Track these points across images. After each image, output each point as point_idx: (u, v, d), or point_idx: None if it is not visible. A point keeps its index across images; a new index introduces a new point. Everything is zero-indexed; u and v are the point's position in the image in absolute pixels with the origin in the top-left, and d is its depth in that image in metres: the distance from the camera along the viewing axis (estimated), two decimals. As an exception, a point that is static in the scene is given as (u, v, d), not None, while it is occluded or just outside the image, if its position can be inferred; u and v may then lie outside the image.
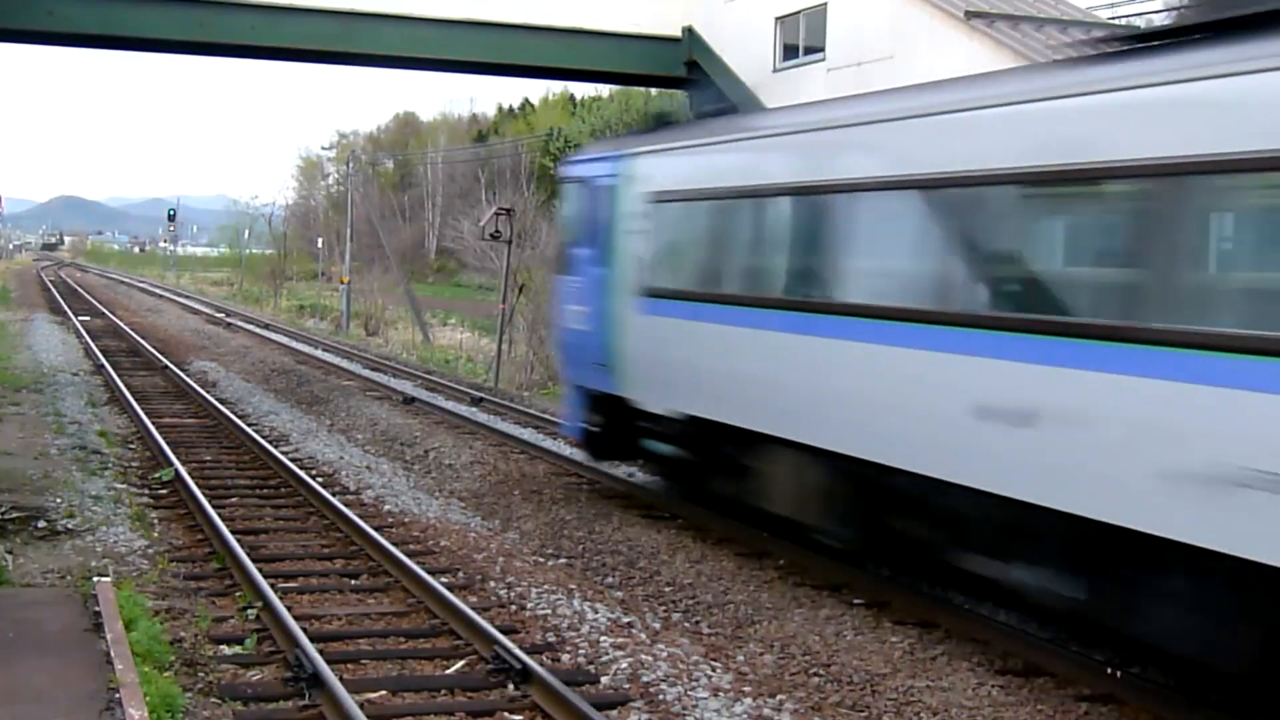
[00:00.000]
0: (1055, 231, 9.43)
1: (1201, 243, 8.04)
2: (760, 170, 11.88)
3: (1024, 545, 9.11)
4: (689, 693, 8.45)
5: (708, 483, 13.31)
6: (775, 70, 20.69)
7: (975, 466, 9.15)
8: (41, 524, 12.30)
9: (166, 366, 27.22)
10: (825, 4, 19.46)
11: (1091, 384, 8.23)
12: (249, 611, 9.92)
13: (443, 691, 8.47)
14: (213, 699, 8.03)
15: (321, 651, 8.71)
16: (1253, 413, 7.24)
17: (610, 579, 11.57)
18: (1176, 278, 7.91)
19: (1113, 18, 20.15)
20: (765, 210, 11.81)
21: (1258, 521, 7.18)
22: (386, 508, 14.28)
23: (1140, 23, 22.05)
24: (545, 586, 10.94)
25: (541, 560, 12.15)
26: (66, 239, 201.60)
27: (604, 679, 8.72)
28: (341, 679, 8.17)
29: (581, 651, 9.28)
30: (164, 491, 14.60)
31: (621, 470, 16.34)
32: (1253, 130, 7.32)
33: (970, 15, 16.35)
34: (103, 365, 26.92)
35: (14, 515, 12.51)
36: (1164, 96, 7.94)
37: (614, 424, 14.39)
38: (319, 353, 33.76)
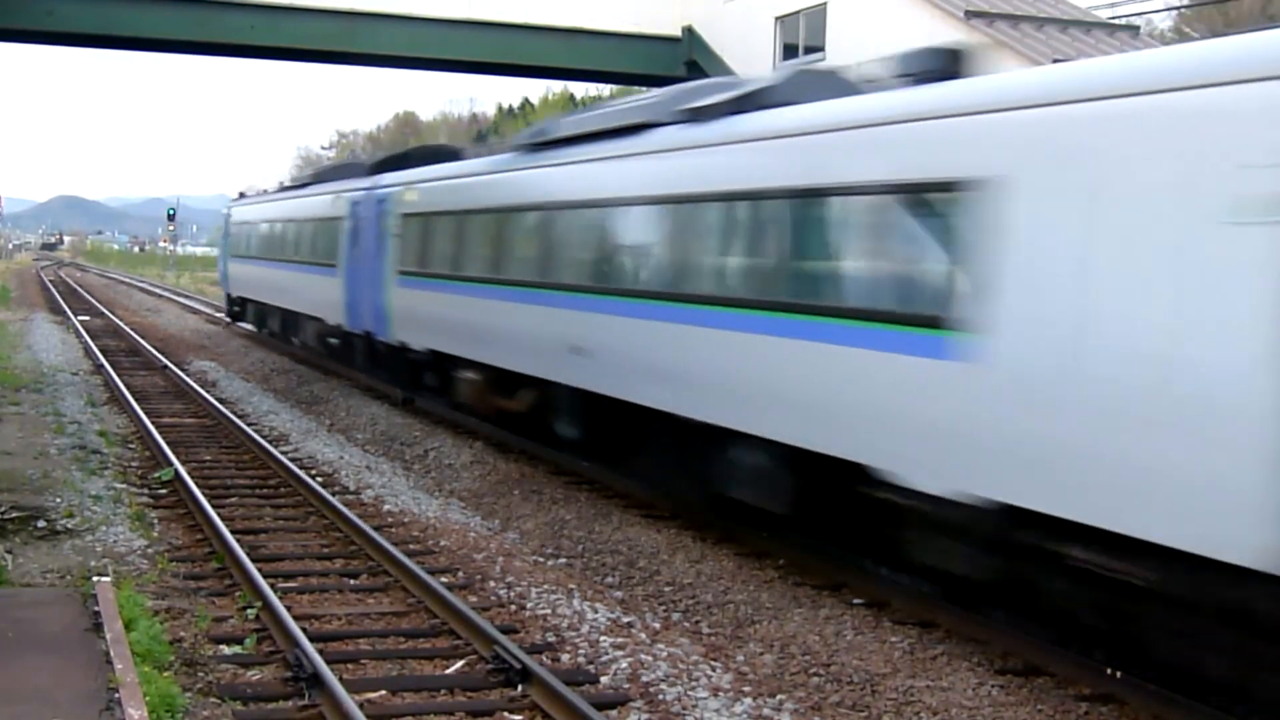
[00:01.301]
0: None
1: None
2: (261, 215, 32.11)
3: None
4: (689, 692, 8.44)
5: (254, 323, 34.08)
6: (774, 70, 20.68)
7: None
8: (41, 524, 12.30)
9: (166, 366, 27.22)
10: (825, 4, 19.46)
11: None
12: (249, 611, 9.92)
13: (442, 691, 8.47)
14: (212, 699, 8.03)
15: (321, 651, 8.71)
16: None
17: (610, 579, 11.57)
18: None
19: (1113, 18, 20.13)
20: (258, 227, 32.24)
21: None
22: (386, 507, 14.29)
23: (1140, 22, 22.01)
24: (545, 586, 10.94)
25: (541, 560, 12.15)
26: (66, 239, 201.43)
27: (604, 679, 8.72)
28: (341, 679, 8.17)
29: (581, 651, 9.28)
30: (164, 491, 14.60)
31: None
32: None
33: (970, 15, 16.35)
34: (102, 365, 26.91)
35: (14, 515, 12.51)
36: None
37: (233, 305, 36.47)
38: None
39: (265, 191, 37.11)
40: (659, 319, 12.55)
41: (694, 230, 12.20)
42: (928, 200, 9.28)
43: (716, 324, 11.62)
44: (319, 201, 25.37)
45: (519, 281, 15.89)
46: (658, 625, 10.03)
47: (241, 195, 39.66)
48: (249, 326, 35.80)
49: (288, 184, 32.68)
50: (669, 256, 12.63)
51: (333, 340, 24.75)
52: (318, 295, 24.86)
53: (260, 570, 10.72)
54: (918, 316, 9.19)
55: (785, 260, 10.86)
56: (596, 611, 10.23)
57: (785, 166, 10.85)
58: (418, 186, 19.76)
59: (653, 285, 12.79)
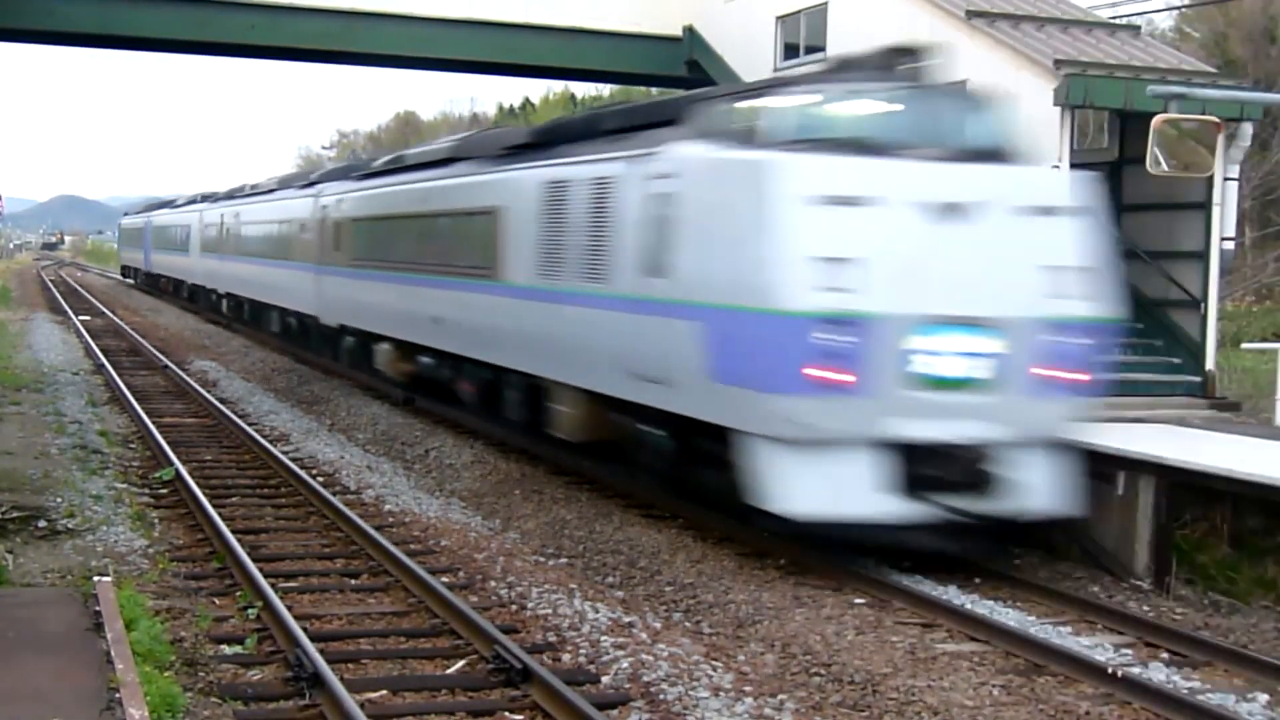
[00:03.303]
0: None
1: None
2: (130, 225, 71.14)
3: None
4: (690, 692, 8.44)
5: (130, 276, 70.16)
6: (776, 70, 20.64)
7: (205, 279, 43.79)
8: (42, 524, 12.30)
9: (167, 366, 27.22)
10: (826, 4, 19.42)
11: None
12: (249, 611, 9.92)
13: (443, 691, 8.47)
14: (213, 698, 8.03)
15: (322, 651, 8.70)
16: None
17: (611, 578, 11.56)
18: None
19: (1113, 18, 20.12)
20: (130, 232, 69.47)
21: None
22: (387, 507, 14.28)
23: (1140, 22, 21.98)
24: (546, 586, 10.93)
25: (542, 560, 12.14)
26: (67, 238, 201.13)
27: (604, 679, 8.71)
28: (342, 678, 8.17)
29: (582, 651, 9.27)
30: (164, 491, 14.60)
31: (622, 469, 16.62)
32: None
33: (971, 15, 16.32)
34: (103, 365, 26.91)
35: (14, 515, 12.50)
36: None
37: (123, 269, 74.45)
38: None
39: (139, 212, 65.07)
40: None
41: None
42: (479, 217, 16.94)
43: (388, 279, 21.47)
44: (140, 219, 60.06)
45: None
46: (658, 625, 10.02)
47: (126, 215, 70.97)
48: (131, 281, 68.60)
49: (142, 209, 63.36)
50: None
51: (140, 271, 62.99)
52: (135, 256, 61.55)
53: (261, 570, 10.72)
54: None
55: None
56: (597, 611, 10.22)
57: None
58: (162, 217, 53.61)
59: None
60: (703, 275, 11.51)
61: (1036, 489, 11.15)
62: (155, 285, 58.29)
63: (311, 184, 27.82)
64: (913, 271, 10.76)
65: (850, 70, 11.99)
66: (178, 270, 48.72)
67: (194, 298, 45.76)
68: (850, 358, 10.57)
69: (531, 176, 15.34)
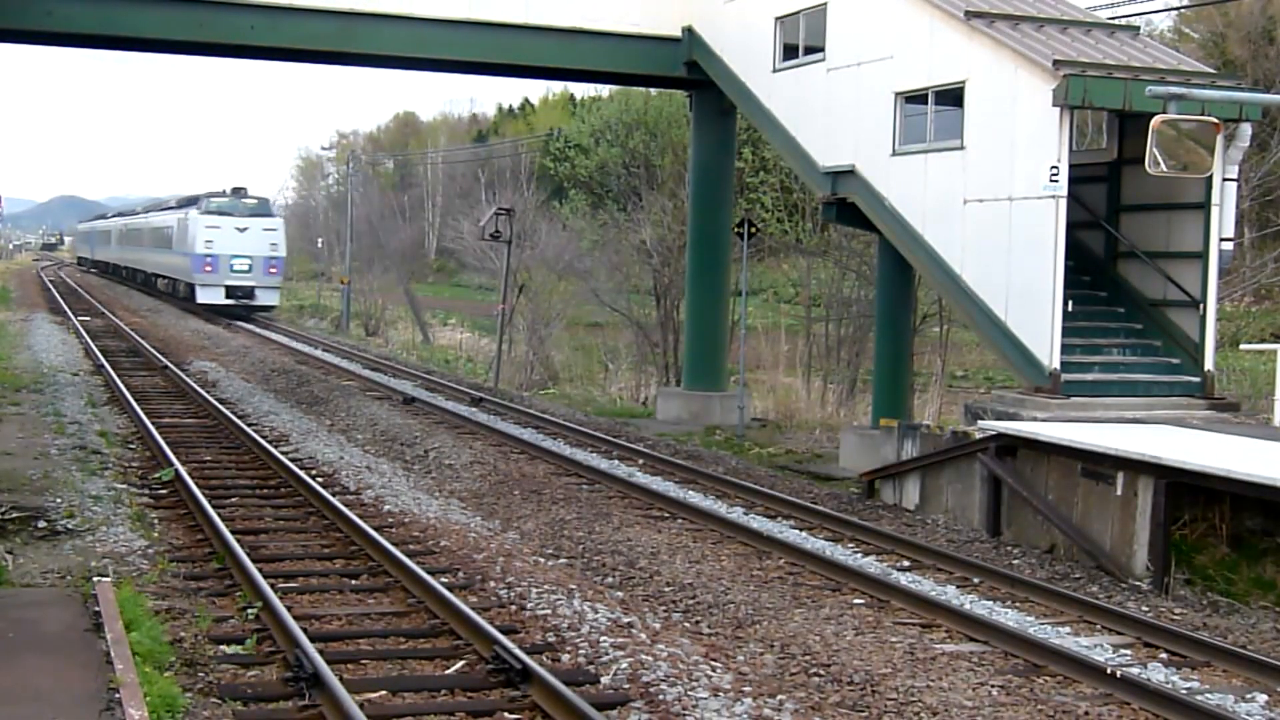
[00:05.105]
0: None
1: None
2: (81, 230, 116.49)
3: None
4: (689, 693, 8.45)
5: (83, 265, 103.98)
6: (775, 70, 20.64)
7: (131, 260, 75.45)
8: (41, 524, 12.31)
9: (166, 366, 27.23)
10: (825, 4, 19.42)
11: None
12: (249, 611, 9.92)
13: (443, 691, 8.48)
14: (213, 699, 8.03)
15: (321, 651, 8.71)
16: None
17: (610, 579, 11.57)
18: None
19: (1112, 18, 20.13)
20: (84, 235, 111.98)
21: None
22: (386, 508, 14.29)
23: (1140, 22, 22.00)
24: (545, 586, 10.94)
25: (541, 560, 12.15)
26: (66, 239, 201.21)
27: (604, 679, 8.72)
28: (341, 679, 8.17)
29: (581, 651, 9.28)
30: (164, 491, 14.60)
31: (622, 470, 16.71)
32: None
33: (970, 15, 16.32)
34: (103, 365, 26.92)
35: (14, 515, 12.51)
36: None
37: (79, 260, 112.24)
38: (318, 353, 33.77)
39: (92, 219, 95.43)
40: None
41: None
42: (168, 227, 55.20)
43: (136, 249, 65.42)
44: (87, 226, 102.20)
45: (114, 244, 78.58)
46: (658, 625, 10.03)
47: (80, 221, 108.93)
48: (83, 268, 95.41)
49: (88, 220, 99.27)
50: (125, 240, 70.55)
51: (88, 260, 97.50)
52: (85, 249, 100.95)
53: (261, 570, 10.72)
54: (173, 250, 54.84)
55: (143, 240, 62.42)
56: (597, 612, 10.23)
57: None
58: (100, 224, 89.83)
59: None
60: (187, 244, 49.43)
61: (265, 300, 49.00)
62: (97, 267, 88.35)
63: (148, 211, 62.73)
64: (231, 242, 47.96)
65: (229, 193, 50.95)
66: (107, 256, 79.81)
67: (114, 272, 75.83)
68: (214, 264, 47.83)
69: (176, 215, 52.91)
